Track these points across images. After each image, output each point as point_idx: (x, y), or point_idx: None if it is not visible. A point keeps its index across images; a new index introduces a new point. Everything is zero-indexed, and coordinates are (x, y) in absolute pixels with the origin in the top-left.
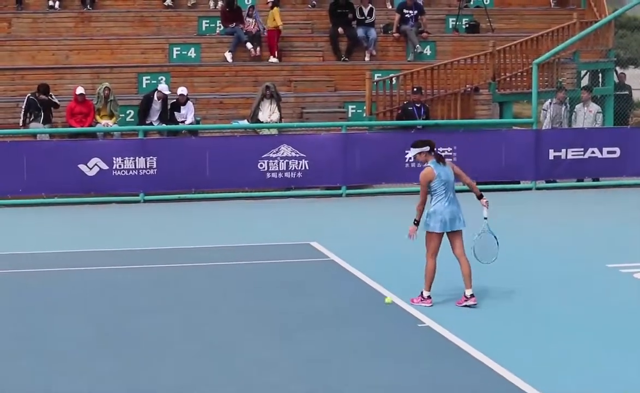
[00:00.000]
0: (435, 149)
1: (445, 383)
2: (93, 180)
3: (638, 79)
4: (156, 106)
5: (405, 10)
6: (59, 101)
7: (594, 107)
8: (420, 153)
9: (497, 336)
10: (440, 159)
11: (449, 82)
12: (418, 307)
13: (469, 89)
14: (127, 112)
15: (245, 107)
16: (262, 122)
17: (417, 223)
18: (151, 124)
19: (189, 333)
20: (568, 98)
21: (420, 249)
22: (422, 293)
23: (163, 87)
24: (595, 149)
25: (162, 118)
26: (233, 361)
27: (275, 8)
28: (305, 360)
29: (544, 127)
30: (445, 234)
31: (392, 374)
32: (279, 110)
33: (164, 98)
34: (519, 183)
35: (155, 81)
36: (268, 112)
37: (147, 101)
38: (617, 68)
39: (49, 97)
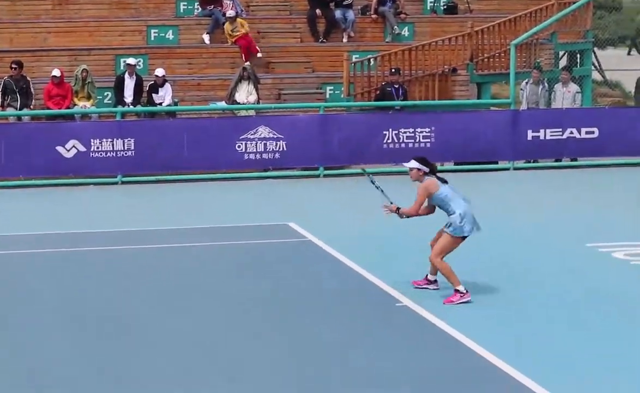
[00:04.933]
0: (436, 173)
1: (425, 364)
2: (71, 162)
3: (616, 60)
4: (129, 82)
5: None
6: (36, 82)
7: (573, 87)
8: (419, 170)
9: (475, 316)
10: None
11: (427, 63)
12: (395, 286)
13: (447, 70)
14: (105, 94)
15: (222, 89)
16: (239, 103)
17: (398, 211)
18: (127, 104)
19: (166, 315)
20: (546, 79)
21: (397, 228)
22: (456, 291)
23: (130, 61)
24: (574, 130)
25: (136, 95)
26: (213, 345)
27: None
28: (284, 342)
29: (522, 108)
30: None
31: (372, 355)
32: (257, 92)
33: (135, 73)
34: (497, 163)
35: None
36: (245, 94)
37: (120, 81)
38: None
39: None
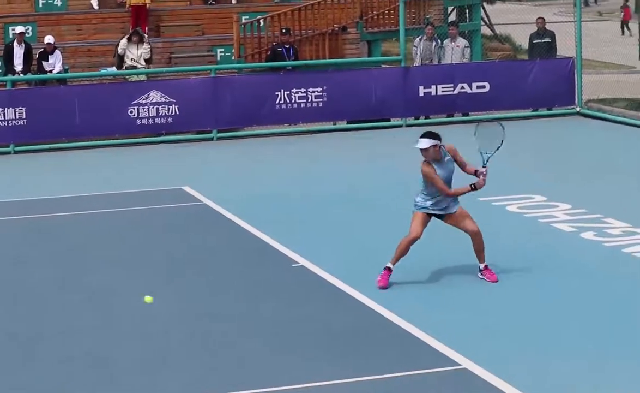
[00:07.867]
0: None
1: (323, 322)
2: None
3: (504, 15)
4: (19, 50)
5: None
6: None
7: (462, 42)
8: (435, 146)
9: (371, 274)
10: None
11: (317, 22)
12: (291, 247)
13: (337, 28)
14: None
15: (113, 55)
16: (130, 64)
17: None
18: (17, 73)
19: (68, 282)
20: (437, 34)
21: (290, 190)
22: (486, 267)
23: (19, 29)
24: (465, 85)
25: (26, 63)
26: (114, 307)
27: None
28: (182, 303)
29: (415, 64)
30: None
31: (270, 314)
32: (151, 51)
33: (24, 41)
34: (389, 120)
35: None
36: (136, 57)
37: (9, 50)
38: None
39: None
